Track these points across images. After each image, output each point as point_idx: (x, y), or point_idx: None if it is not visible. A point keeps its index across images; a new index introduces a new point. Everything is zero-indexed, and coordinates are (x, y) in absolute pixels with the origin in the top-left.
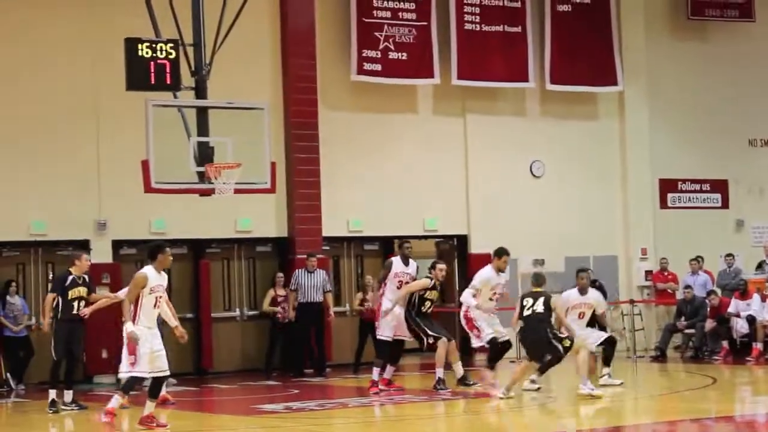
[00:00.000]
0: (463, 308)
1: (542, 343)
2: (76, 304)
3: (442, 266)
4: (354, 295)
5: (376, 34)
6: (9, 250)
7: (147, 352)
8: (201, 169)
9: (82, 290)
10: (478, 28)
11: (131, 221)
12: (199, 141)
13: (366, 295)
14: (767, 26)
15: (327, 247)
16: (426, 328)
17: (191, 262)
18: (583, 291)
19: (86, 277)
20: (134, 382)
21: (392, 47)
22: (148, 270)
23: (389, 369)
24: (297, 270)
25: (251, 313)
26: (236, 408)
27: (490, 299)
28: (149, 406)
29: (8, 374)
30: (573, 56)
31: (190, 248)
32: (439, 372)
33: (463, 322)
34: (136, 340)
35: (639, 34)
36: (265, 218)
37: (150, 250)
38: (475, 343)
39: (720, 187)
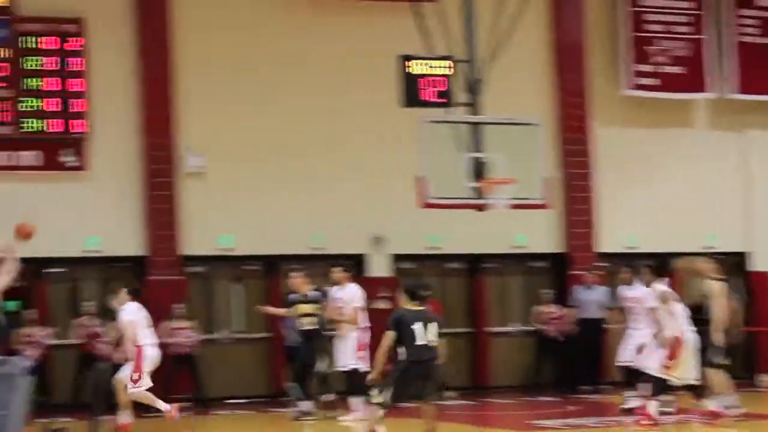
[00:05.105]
0: None
1: None
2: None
3: None
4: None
5: (647, 48)
6: (286, 263)
7: None
8: (476, 184)
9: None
10: (757, 41)
11: (408, 236)
12: (473, 156)
13: None
14: None
15: (605, 264)
16: None
17: (467, 277)
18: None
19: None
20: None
21: (665, 61)
22: None
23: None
24: (575, 286)
25: (527, 328)
26: (512, 423)
27: None
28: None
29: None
30: None
31: (466, 263)
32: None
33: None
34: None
35: None
36: (539, 234)
37: None
38: None
39: None
